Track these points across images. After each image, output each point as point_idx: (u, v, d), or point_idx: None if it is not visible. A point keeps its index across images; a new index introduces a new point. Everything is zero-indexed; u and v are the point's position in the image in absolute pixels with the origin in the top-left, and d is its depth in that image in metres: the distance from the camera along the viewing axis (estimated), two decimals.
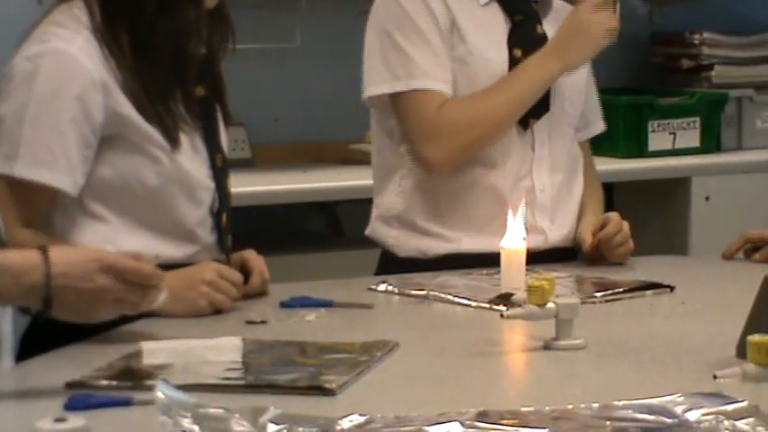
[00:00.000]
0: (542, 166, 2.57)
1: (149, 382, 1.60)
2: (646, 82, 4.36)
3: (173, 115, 2.13)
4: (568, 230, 2.60)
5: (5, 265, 1.74)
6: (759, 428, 1.46)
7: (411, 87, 2.49)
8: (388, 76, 2.51)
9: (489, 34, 2.54)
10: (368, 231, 2.65)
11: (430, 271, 2.45)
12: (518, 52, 2.52)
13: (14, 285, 1.72)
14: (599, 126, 2.77)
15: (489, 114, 2.51)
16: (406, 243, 2.57)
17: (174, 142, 2.12)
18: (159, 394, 1.48)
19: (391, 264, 2.57)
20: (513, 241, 2.25)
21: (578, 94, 2.63)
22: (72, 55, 2.03)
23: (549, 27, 2.59)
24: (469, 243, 2.53)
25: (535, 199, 2.55)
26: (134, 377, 1.72)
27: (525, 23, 2.56)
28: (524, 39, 2.54)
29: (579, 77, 2.62)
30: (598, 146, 4.01)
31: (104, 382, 1.70)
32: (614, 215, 2.55)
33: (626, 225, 2.56)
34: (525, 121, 2.54)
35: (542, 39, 2.55)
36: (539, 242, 2.51)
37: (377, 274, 2.56)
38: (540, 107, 2.54)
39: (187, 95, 2.17)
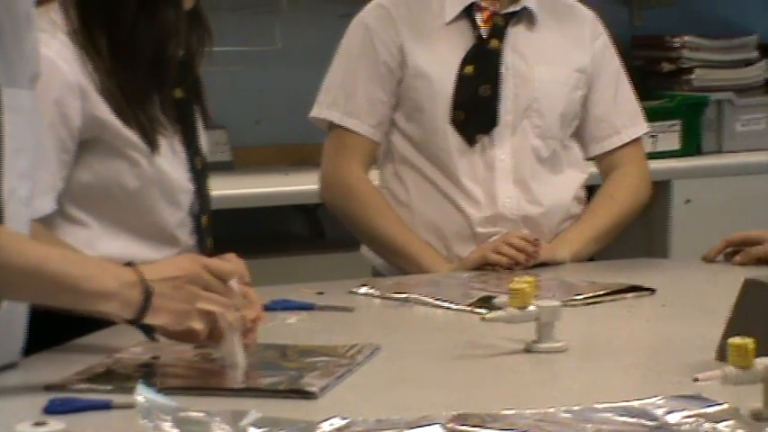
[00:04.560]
0: (506, 178, 2.59)
1: (130, 386, 1.59)
2: None
3: (151, 118, 2.13)
4: (547, 240, 2.60)
5: (102, 263, 1.76)
6: (739, 431, 1.47)
7: (331, 118, 2.63)
8: (328, 102, 2.64)
9: (444, 53, 2.59)
10: (361, 250, 2.73)
11: None
12: (469, 69, 2.58)
13: (116, 280, 1.71)
14: (635, 131, 2.75)
15: (360, 226, 2.65)
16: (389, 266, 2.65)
17: (152, 145, 2.12)
18: (139, 398, 1.47)
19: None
20: None
21: (550, 106, 2.62)
22: (49, 59, 2.02)
23: (547, 30, 2.62)
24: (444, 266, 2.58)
25: (499, 209, 2.58)
26: (114, 380, 1.72)
27: (486, 38, 2.59)
28: (477, 55, 2.58)
29: (555, 90, 2.63)
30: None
31: (84, 386, 1.70)
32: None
33: None
34: (471, 137, 2.58)
35: (493, 53, 2.58)
36: None
37: None
38: (487, 122, 2.57)
39: (165, 98, 2.16)
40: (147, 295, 1.72)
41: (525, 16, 2.62)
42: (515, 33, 2.61)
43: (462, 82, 2.57)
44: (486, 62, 2.59)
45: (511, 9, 2.60)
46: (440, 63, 2.59)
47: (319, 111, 2.67)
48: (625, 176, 2.72)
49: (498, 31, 2.60)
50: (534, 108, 2.61)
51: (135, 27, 2.10)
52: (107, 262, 1.80)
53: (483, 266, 2.50)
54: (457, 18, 2.59)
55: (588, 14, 2.76)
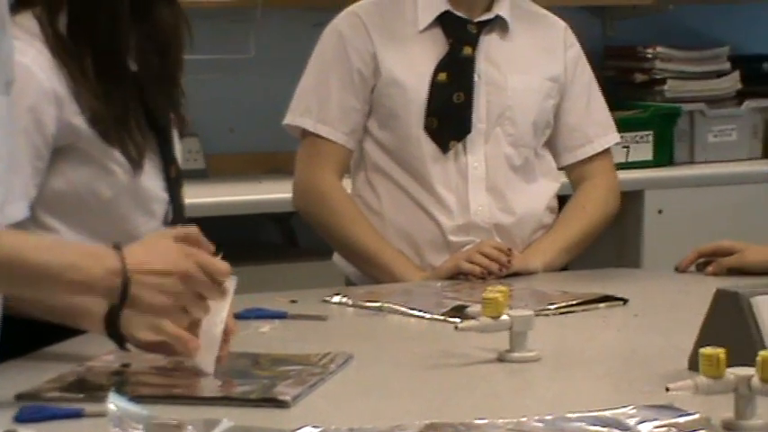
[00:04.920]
0: (479, 185, 2.60)
1: (101, 394, 1.59)
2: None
3: (136, 141, 2.11)
4: (515, 247, 2.61)
5: (86, 248, 1.74)
6: None
7: (304, 125, 2.64)
8: (301, 109, 2.65)
9: (417, 61, 2.61)
10: (334, 258, 2.73)
11: None
12: (443, 76, 2.59)
13: (99, 267, 1.68)
14: (607, 140, 2.76)
15: (333, 234, 2.66)
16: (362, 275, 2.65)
17: (136, 165, 2.11)
18: (111, 406, 1.47)
19: None
20: None
21: (523, 114, 2.64)
22: (25, 66, 2.01)
23: (519, 38, 2.65)
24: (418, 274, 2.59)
25: (472, 218, 2.59)
26: (86, 389, 1.71)
27: (456, 46, 2.61)
28: (451, 62, 2.61)
29: (528, 98, 2.64)
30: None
31: (56, 394, 1.69)
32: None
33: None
34: (445, 144, 2.59)
35: (467, 61, 2.60)
36: None
37: None
38: (460, 129, 2.59)
39: (147, 107, 2.16)
40: (125, 285, 1.67)
41: (498, 25, 2.64)
42: (488, 41, 2.63)
43: (436, 89, 2.59)
44: (459, 70, 2.61)
45: (484, 17, 2.62)
46: (413, 70, 2.61)
47: (292, 118, 2.67)
48: (596, 188, 2.73)
49: (471, 39, 2.61)
50: (507, 116, 2.62)
51: (127, 35, 2.09)
52: (91, 247, 1.78)
53: (456, 276, 2.50)
54: (430, 26, 2.61)
55: (560, 24, 2.78)
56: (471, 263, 2.49)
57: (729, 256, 2.55)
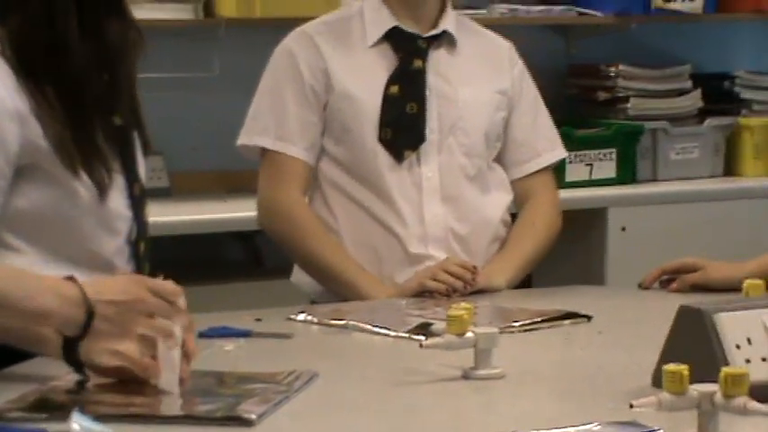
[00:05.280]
0: (433, 195, 2.62)
1: (64, 414, 1.58)
2: (562, 113, 4.38)
3: (102, 165, 2.10)
4: (473, 258, 2.62)
5: (43, 281, 1.75)
6: None
7: (264, 144, 2.66)
8: (259, 129, 2.67)
9: (368, 75, 2.65)
10: (292, 278, 2.74)
11: None
12: (395, 89, 2.63)
13: (58, 297, 1.71)
14: (554, 155, 2.80)
15: (298, 252, 2.67)
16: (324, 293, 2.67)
17: (103, 191, 2.10)
18: (75, 426, 1.46)
19: None
20: None
21: (474, 124, 2.67)
22: None
23: (467, 54, 2.68)
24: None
25: (426, 229, 2.60)
26: (48, 408, 1.70)
27: (406, 59, 2.64)
28: (402, 75, 2.64)
29: (479, 110, 2.68)
30: None
31: (18, 414, 1.68)
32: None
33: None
34: (400, 153, 2.62)
35: (418, 73, 2.64)
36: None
37: None
38: (414, 139, 2.62)
39: (106, 125, 2.15)
40: (90, 315, 1.71)
41: (446, 40, 2.68)
42: (437, 56, 2.68)
43: (388, 101, 2.62)
44: (410, 82, 2.65)
45: (432, 33, 2.66)
46: (365, 84, 2.64)
47: (249, 138, 2.69)
48: (542, 205, 2.76)
49: (421, 53, 2.65)
50: (459, 126, 2.66)
51: (80, 54, 2.08)
52: (48, 278, 1.79)
53: (421, 293, 2.50)
54: (379, 41, 2.65)
55: (505, 43, 2.82)
56: (436, 281, 2.50)
57: (693, 273, 2.56)
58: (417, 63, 2.64)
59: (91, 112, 2.10)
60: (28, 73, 2.06)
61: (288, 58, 2.66)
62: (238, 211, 3.47)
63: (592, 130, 4.19)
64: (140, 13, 3.65)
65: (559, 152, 2.82)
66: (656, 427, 1.56)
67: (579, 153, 4.12)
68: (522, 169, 2.74)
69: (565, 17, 4.32)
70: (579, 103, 4.41)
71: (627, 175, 4.19)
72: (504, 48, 2.80)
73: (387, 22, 2.64)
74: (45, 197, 2.09)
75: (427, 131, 2.63)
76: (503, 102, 2.71)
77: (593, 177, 4.13)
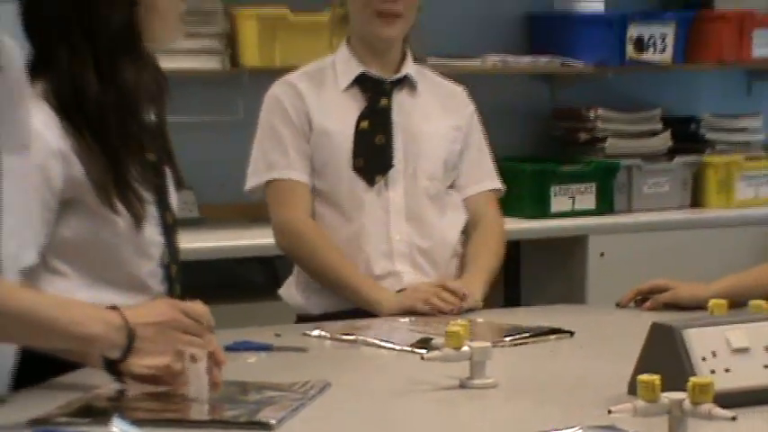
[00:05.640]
0: (399, 216, 2.66)
1: (106, 419, 1.58)
2: (548, 152, 4.41)
3: (138, 198, 2.10)
4: (430, 273, 2.65)
5: (89, 309, 1.75)
6: None
7: (272, 177, 2.68)
8: (265, 167, 2.70)
9: (342, 113, 2.70)
10: (281, 291, 2.79)
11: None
12: (365, 124, 2.69)
13: (103, 324, 1.72)
14: (491, 184, 2.81)
15: (311, 265, 2.67)
16: (314, 302, 2.69)
17: (139, 222, 2.10)
18: (115, 429, 1.46)
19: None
20: None
21: (434, 153, 2.72)
22: (35, 127, 2.00)
23: (426, 96, 2.74)
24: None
25: (393, 249, 2.63)
26: (91, 414, 1.70)
27: (374, 99, 2.70)
28: (371, 112, 2.70)
29: (439, 145, 2.72)
30: (506, 207, 4.07)
31: (65, 419, 1.67)
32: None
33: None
34: (371, 178, 2.66)
35: (384, 110, 2.70)
36: (394, 285, 2.61)
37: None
38: (383, 165, 2.68)
39: (140, 161, 2.15)
40: (131, 338, 1.72)
41: (407, 83, 2.73)
42: (400, 97, 2.73)
43: (359, 135, 2.68)
44: (378, 117, 2.70)
45: (395, 77, 2.71)
46: (339, 122, 2.69)
47: (259, 178, 2.71)
48: (492, 228, 2.77)
49: (386, 93, 2.71)
50: (421, 155, 2.70)
51: (100, 99, 2.07)
52: (93, 307, 1.79)
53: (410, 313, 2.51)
54: (350, 86, 2.70)
55: (458, 88, 2.87)
56: (428, 304, 2.50)
57: (664, 293, 2.56)
58: (383, 101, 2.70)
59: (124, 151, 2.09)
60: (67, 117, 2.06)
61: (276, 103, 2.71)
62: (259, 239, 3.46)
63: (574, 166, 4.19)
64: (173, 63, 3.67)
65: (497, 183, 2.83)
66: (631, 430, 1.55)
67: (563, 187, 4.12)
68: (471, 189, 2.77)
69: (549, 67, 4.32)
70: (562, 142, 4.41)
71: (605, 206, 4.18)
72: (458, 91, 2.85)
73: (355, 69, 2.70)
74: (87, 227, 2.09)
75: (394, 160, 2.67)
76: (458, 136, 2.76)
77: (575, 208, 4.12)
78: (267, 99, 2.73)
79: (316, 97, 2.69)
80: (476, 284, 2.61)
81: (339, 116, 2.69)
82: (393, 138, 2.68)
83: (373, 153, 2.67)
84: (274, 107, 2.71)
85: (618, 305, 2.63)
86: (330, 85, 2.71)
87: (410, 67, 2.73)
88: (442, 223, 2.70)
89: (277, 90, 2.72)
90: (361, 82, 2.70)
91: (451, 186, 2.76)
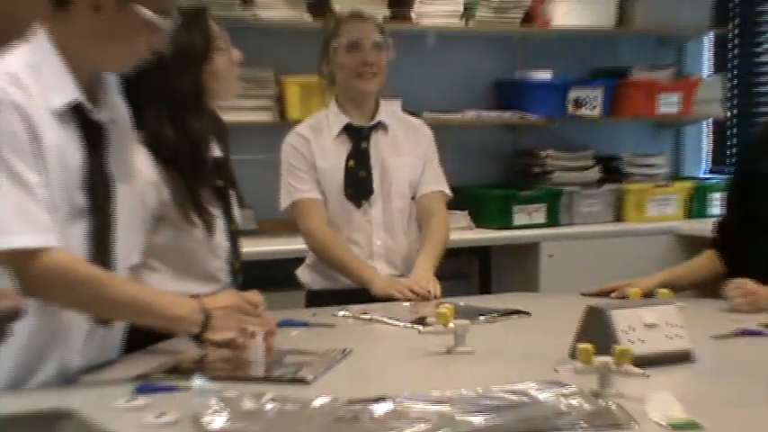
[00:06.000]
0: (379, 228, 2.68)
1: (189, 375, 1.58)
2: (511, 181, 4.41)
3: (210, 215, 2.11)
4: (400, 267, 2.68)
5: (177, 297, 1.76)
6: (584, 404, 1.47)
7: (295, 198, 2.69)
8: (291, 191, 2.71)
9: (335, 155, 2.70)
10: (297, 272, 2.78)
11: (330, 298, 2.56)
12: (352, 162, 2.69)
13: (188, 308, 1.72)
14: (440, 186, 2.77)
15: (331, 260, 2.64)
16: (316, 281, 2.72)
17: (210, 231, 2.11)
18: (196, 383, 1.46)
19: (311, 296, 2.73)
20: None
21: (402, 179, 2.71)
22: (137, 165, 2.00)
23: (396, 134, 2.73)
24: (342, 282, 2.65)
25: (373, 251, 2.66)
26: (179, 372, 1.70)
27: (357, 142, 2.70)
28: (356, 154, 2.70)
29: (406, 172, 2.72)
30: (479, 222, 4.09)
31: (160, 375, 1.69)
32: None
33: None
34: (358, 202, 2.68)
35: (365, 151, 2.70)
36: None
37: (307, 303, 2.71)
38: (366, 192, 2.69)
39: (211, 186, 2.15)
40: (207, 319, 1.72)
41: (381, 127, 2.73)
42: (376, 138, 2.72)
43: (348, 171, 2.68)
44: (361, 157, 2.69)
45: (372, 123, 2.71)
46: (333, 161, 2.68)
47: (289, 200, 2.70)
48: (439, 222, 2.73)
49: (366, 137, 2.70)
50: (393, 182, 2.70)
51: (173, 143, 2.07)
52: (180, 296, 1.80)
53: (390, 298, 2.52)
54: (339, 133, 2.70)
55: (418, 121, 2.87)
56: (401, 294, 2.51)
57: (626, 286, 2.41)
58: (364, 144, 2.70)
59: (196, 180, 2.10)
60: (156, 157, 2.07)
61: (291, 147, 2.71)
62: (300, 244, 3.47)
63: (530, 191, 4.18)
64: (239, 117, 3.71)
65: (447, 189, 2.80)
66: (572, 385, 1.55)
67: (522, 206, 4.12)
68: (425, 189, 2.74)
69: (512, 119, 4.32)
70: (522, 174, 4.40)
71: (553, 220, 4.18)
72: (418, 124, 2.84)
73: (343, 120, 2.70)
74: (172, 236, 2.10)
75: (374, 187, 2.68)
76: (420, 162, 2.75)
77: (531, 222, 4.12)
78: (285, 146, 2.73)
79: (316, 143, 2.68)
80: (428, 276, 2.59)
81: (333, 157, 2.68)
82: (372, 172, 2.68)
83: (358, 184, 2.67)
84: (290, 151, 2.70)
85: (582, 294, 2.52)
86: (326, 133, 2.70)
87: (383, 114, 2.73)
88: (408, 232, 2.71)
89: (291, 139, 2.72)
90: (348, 130, 2.69)
91: (413, 197, 2.76)
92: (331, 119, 2.71)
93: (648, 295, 2.33)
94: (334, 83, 2.72)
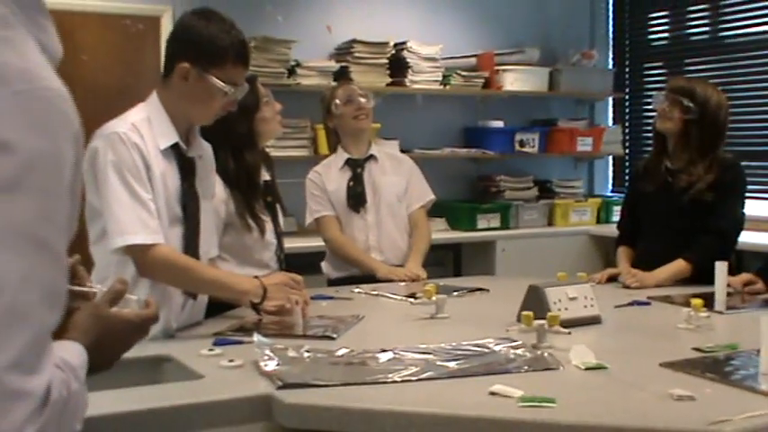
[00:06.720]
0: (373, 229, 2.65)
1: (251, 333, 1.59)
2: (476, 197, 4.41)
3: (262, 221, 2.11)
4: (392, 258, 2.63)
5: (243, 277, 1.75)
6: (527, 353, 1.48)
7: (317, 216, 2.65)
8: (313, 211, 2.67)
9: (340, 180, 2.67)
10: (323, 264, 2.74)
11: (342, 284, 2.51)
12: (351, 183, 2.66)
13: (251, 284, 1.73)
14: (423, 201, 2.73)
15: (346, 257, 2.58)
16: (332, 272, 2.68)
17: (262, 233, 2.11)
18: (255, 338, 1.48)
19: (330, 283, 2.66)
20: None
21: (389, 193, 2.67)
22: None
23: (386, 164, 2.69)
24: (351, 270, 2.62)
25: (369, 245, 2.63)
26: (244, 330, 1.71)
27: (355, 171, 2.67)
28: (354, 178, 2.67)
29: (394, 187, 2.68)
30: (453, 226, 4.07)
31: (230, 333, 1.69)
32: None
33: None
34: (357, 210, 2.65)
35: (360, 175, 2.67)
36: None
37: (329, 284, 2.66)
38: (361, 202, 2.65)
39: (262, 201, 2.15)
40: (264, 291, 1.73)
41: (373, 159, 2.69)
42: (369, 167, 2.68)
43: (349, 189, 2.65)
44: (357, 179, 2.66)
45: (365, 156, 2.68)
46: (338, 185, 2.66)
47: (310, 218, 2.68)
48: (423, 230, 2.69)
49: (361, 166, 2.68)
50: (382, 196, 2.66)
51: (233, 171, 2.07)
52: (246, 277, 1.80)
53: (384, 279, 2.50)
54: (343, 165, 2.67)
55: (403, 156, 2.83)
56: (399, 277, 2.49)
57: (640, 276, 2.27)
58: (360, 170, 2.67)
59: (252, 196, 2.10)
60: (225, 180, 2.07)
61: (311, 182, 2.67)
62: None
63: (489, 204, 4.17)
64: (285, 153, 3.69)
65: (431, 196, 2.76)
66: (519, 341, 1.56)
67: (483, 215, 4.10)
68: (412, 206, 2.71)
69: (475, 154, 4.31)
70: (483, 193, 4.39)
71: (505, 224, 4.17)
72: (402, 157, 2.81)
73: (344, 156, 2.68)
74: (236, 236, 2.10)
75: (368, 199, 2.65)
76: (403, 182, 2.71)
77: (490, 226, 4.12)
78: (307, 181, 2.69)
79: (326, 175, 2.67)
80: (418, 266, 2.58)
81: (339, 182, 2.66)
82: (366, 188, 2.66)
83: (356, 198, 2.65)
84: (310, 184, 2.68)
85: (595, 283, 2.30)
86: (334, 168, 2.67)
87: (374, 149, 2.71)
88: (395, 232, 2.68)
89: (310, 176, 2.70)
90: (349, 163, 2.67)
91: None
92: (337, 157, 2.70)
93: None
94: (335, 132, 2.71)
